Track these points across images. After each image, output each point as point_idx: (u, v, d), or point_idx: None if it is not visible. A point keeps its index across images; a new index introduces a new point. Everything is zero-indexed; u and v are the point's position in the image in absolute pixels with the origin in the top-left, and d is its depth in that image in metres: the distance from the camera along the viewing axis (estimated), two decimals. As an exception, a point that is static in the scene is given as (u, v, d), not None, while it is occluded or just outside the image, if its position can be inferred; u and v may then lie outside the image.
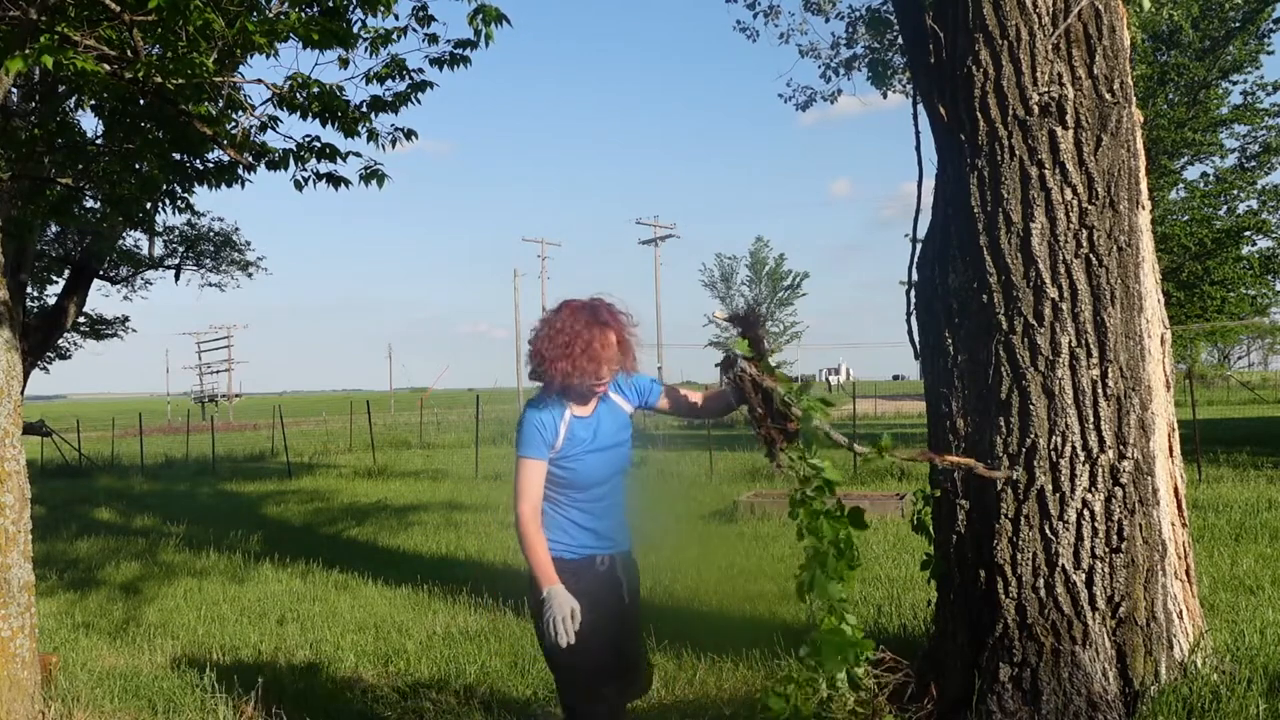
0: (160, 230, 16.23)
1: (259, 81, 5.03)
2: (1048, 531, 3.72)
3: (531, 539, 3.14)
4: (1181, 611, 3.96)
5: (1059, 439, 3.73)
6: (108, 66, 4.44)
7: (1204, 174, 23.82)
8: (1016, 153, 3.83)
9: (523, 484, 3.17)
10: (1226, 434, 18.37)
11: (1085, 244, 3.77)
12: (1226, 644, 4.55)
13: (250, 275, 18.86)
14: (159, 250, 17.38)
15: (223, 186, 6.03)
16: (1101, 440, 3.72)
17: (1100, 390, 3.74)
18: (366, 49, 5.30)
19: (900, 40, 8.03)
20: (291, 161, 5.52)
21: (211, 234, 17.65)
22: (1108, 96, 3.85)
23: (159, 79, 4.42)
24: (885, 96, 9.52)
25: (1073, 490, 3.71)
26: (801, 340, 58.73)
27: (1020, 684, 3.69)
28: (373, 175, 5.75)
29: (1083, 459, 3.72)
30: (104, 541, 10.63)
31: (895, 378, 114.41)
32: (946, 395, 4.00)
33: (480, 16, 5.01)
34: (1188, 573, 4.13)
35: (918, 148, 4.62)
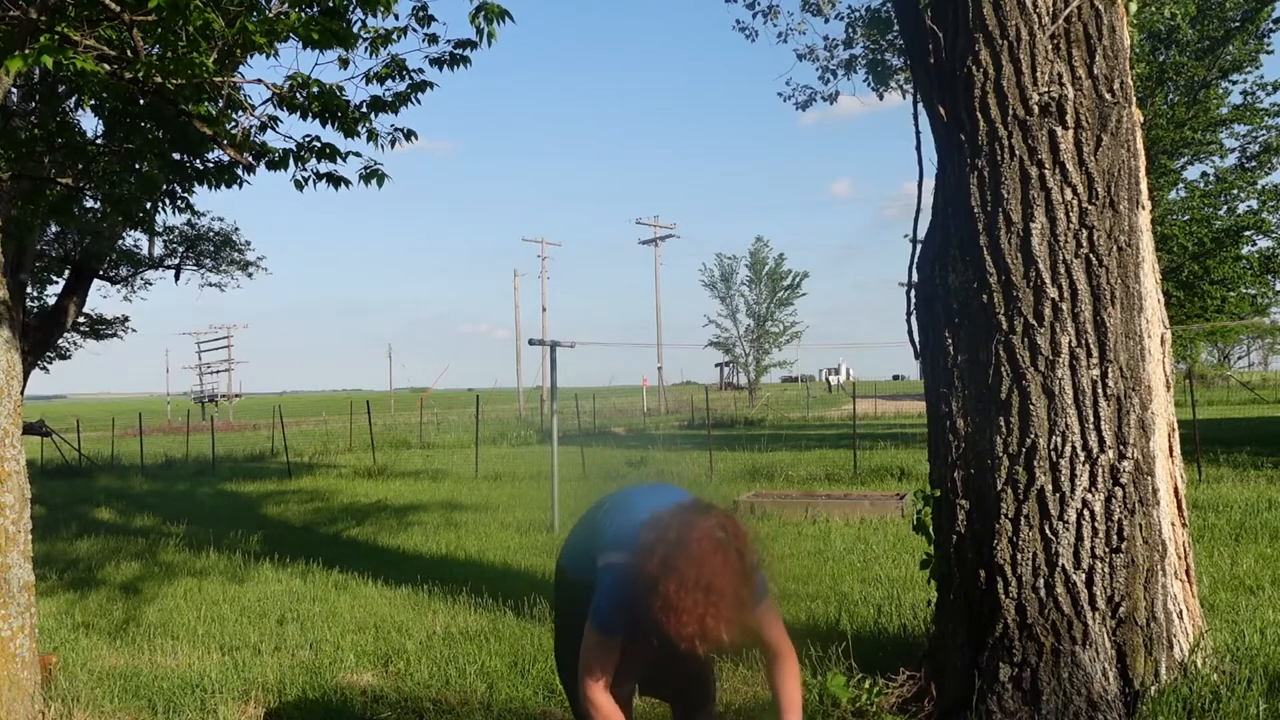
0: (160, 230, 16.23)
1: (259, 81, 5.04)
2: (1048, 531, 3.72)
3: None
4: (1181, 611, 3.96)
5: (1059, 439, 3.73)
6: (108, 66, 4.44)
7: (1204, 174, 23.83)
8: (1016, 153, 3.83)
9: (591, 663, 2.63)
10: (1226, 434, 18.36)
11: (1085, 244, 3.78)
12: (1226, 644, 4.55)
13: (250, 275, 18.86)
14: (159, 250, 17.39)
15: (223, 186, 6.02)
16: (1101, 440, 3.73)
17: (1100, 390, 3.74)
18: (366, 49, 5.30)
19: (900, 40, 8.03)
20: (291, 161, 5.52)
21: (211, 234, 17.65)
22: (1108, 96, 3.85)
23: (159, 79, 4.42)
24: (881, 97, 9.51)
25: (1073, 490, 3.71)
26: (801, 340, 58.70)
27: (1020, 684, 3.69)
28: (373, 175, 5.75)
29: (1083, 459, 3.72)
30: (104, 541, 10.63)
31: (895, 378, 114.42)
32: (946, 395, 4.00)
33: (483, 14, 5.01)
34: (1188, 573, 4.13)
35: (918, 148, 4.62)
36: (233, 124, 5.16)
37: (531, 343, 12.30)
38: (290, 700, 4.78)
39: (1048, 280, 3.77)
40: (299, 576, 8.10)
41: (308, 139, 5.50)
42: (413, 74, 5.43)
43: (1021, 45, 3.83)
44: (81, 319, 18.30)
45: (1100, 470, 3.72)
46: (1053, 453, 3.73)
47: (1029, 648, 3.70)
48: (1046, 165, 3.80)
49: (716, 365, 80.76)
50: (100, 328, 19.70)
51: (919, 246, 4.32)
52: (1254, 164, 23.04)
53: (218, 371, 69.17)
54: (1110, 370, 3.74)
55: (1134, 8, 4.19)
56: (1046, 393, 3.76)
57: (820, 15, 9.77)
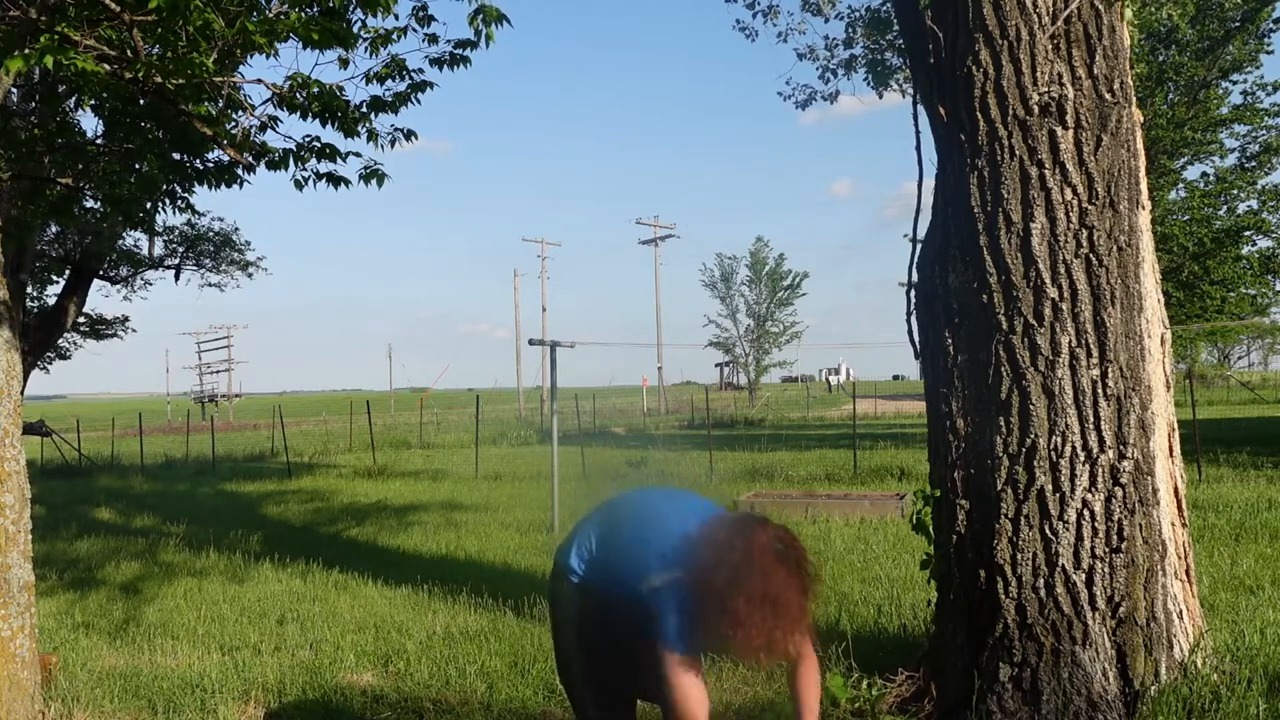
0: (160, 230, 16.23)
1: (259, 81, 5.03)
2: (1048, 531, 3.72)
3: None
4: (1181, 611, 3.96)
5: (1059, 439, 3.73)
6: (108, 66, 4.44)
7: (1204, 174, 23.82)
8: (1016, 153, 3.83)
9: (692, 698, 2.51)
10: (1226, 434, 18.37)
11: (1085, 244, 3.78)
12: (1226, 644, 4.55)
13: (250, 275, 18.86)
14: (159, 250, 17.39)
15: (223, 186, 6.01)
16: (1101, 440, 3.73)
17: (1100, 390, 3.74)
18: (366, 49, 5.30)
19: (900, 40, 8.02)
20: (291, 161, 5.52)
21: (211, 234, 17.65)
22: (1108, 96, 3.85)
23: (159, 79, 4.41)
24: (881, 96, 9.50)
25: (1073, 490, 3.71)
26: (801, 340, 58.68)
27: (1020, 684, 3.69)
28: (373, 175, 5.75)
29: (1083, 459, 3.72)
30: (104, 541, 10.62)
31: (895, 378, 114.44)
32: (946, 395, 4.00)
33: (480, 17, 5.01)
34: (1188, 573, 4.13)
35: (918, 148, 4.62)
36: (233, 124, 5.16)
37: (531, 343, 12.30)
38: (290, 700, 4.78)
39: (1048, 280, 3.77)
40: (299, 576, 8.10)
41: (308, 139, 5.49)
42: (413, 74, 5.43)
43: (1021, 45, 3.83)
44: (81, 319, 18.30)
45: (1100, 470, 3.72)
46: (1053, 453, 3.73)
47: (1029, 648, 3.70)
48: (1046, 165, 3.80)
49: (716, 365, 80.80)
50: (100, 328, 19.70)
51: (919, 246, 4.32)
52: (1254, 164, 23.03)
53: (218, 371, 69.19)
54: (1110, 370, 3.74)
55: (1129, 13, 4.19)
56: (1046, 393, 3.76)
57: (820, 15, 9.76)
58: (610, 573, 2.88)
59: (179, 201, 6.87)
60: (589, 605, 2.95)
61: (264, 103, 5.28)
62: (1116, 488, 3.73)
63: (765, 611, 2.40)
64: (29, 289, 14.39)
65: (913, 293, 4.32)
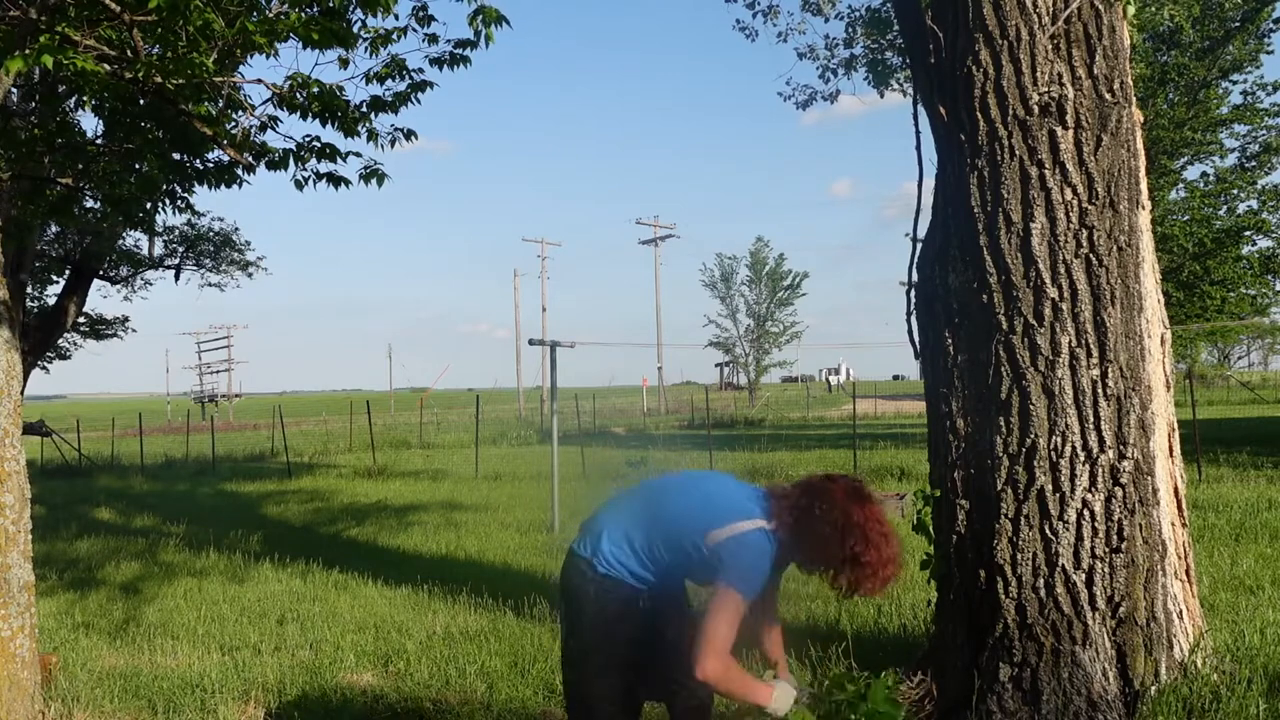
0: (160, 230, 16.23)
1: (259, 81, 5.04)
2: (1048, 531, 3.72)
3: (739, 677, 2.85)
4: (1181, 611, 3.96)
5: (1059, 439, 3.73)
6: (108, 66, 4.44)
7: (1204, 174, 23.82)
8: (1016, 153, 3.83)
9: (726, 630, 2.77)
10: (1226, 434, 18.37)
11: (1085, 244, 3.77)
12: (1226, 644, 4.55)
13: (250, 275, 18.87)
14: (159, 250, 17.39)
15: (223, 186, 6.02)
16: (1101, 440, 3.72)
17: (1100, 390, 3.74)
18: (366, 49, 5.30)
19: (900, 40, 8.03)
20: (291, 161, 5.52)
21: (211, 234, 17.66)
22: (1108, 96, 3.85)
23: (159, 79, 4.41)
24: (882, 96, 9.50)
25: (1073, 490, 3.71)
26: (801, 340, 58.70)
27: (1020, 684, 3.69)
28: (373, 175, 5.75)
29: (1083, 459, 3.72)
30: (104, 541, 10.63)
31: (895, 378, 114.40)
32: (946, 395, 4.00)
33: (480, 17, 5.01)
34: (1188, 573, 4.13)
35: (918, 148, 4.62)
36: (233, 124, 5.16)
37: (531, 343, 12.30)
38: (290, 700, 4.78)
39: (1048, 280, 3.77)
40: (299, 576, 8.10)
41: (308, 139, 5.49)
42: (413, 74, 5.43)
43: (1021, 45, 3.83)
44: (81, 319, 18.30)
45: (1100, 470, 3.72)
46: (1053, 453, 3.73)
47: (1029, 648, 3.70)
48: (1046, 165, 3.80)
49: (716, 365, 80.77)
50: (100, 328, 19.71)
51: (919, 246, 4.31)
52: (1254, 164, 23.02)
53: (218, 371, 69.21)
54: (1110, 370, 3.74)
55: (1130, 10, 4.18)
56: (1046, 393, 3.76)
57: (820, 15, 9.77)
58: (651, 547, 2.99)
59: (179, 201, 6.88)
60: (616, 595, 3.00)
61: (264, 103, 5.28)
62: (1116, 488, 3.72)
63: (886, 536, 2.80)
64: (29, 289, 14.39)
65: (913, 293, 4.32)
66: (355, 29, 5.18)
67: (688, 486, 3.17)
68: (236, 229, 18.18)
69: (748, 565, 2.82)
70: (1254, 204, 23.43)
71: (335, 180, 5.72)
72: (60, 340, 17.90)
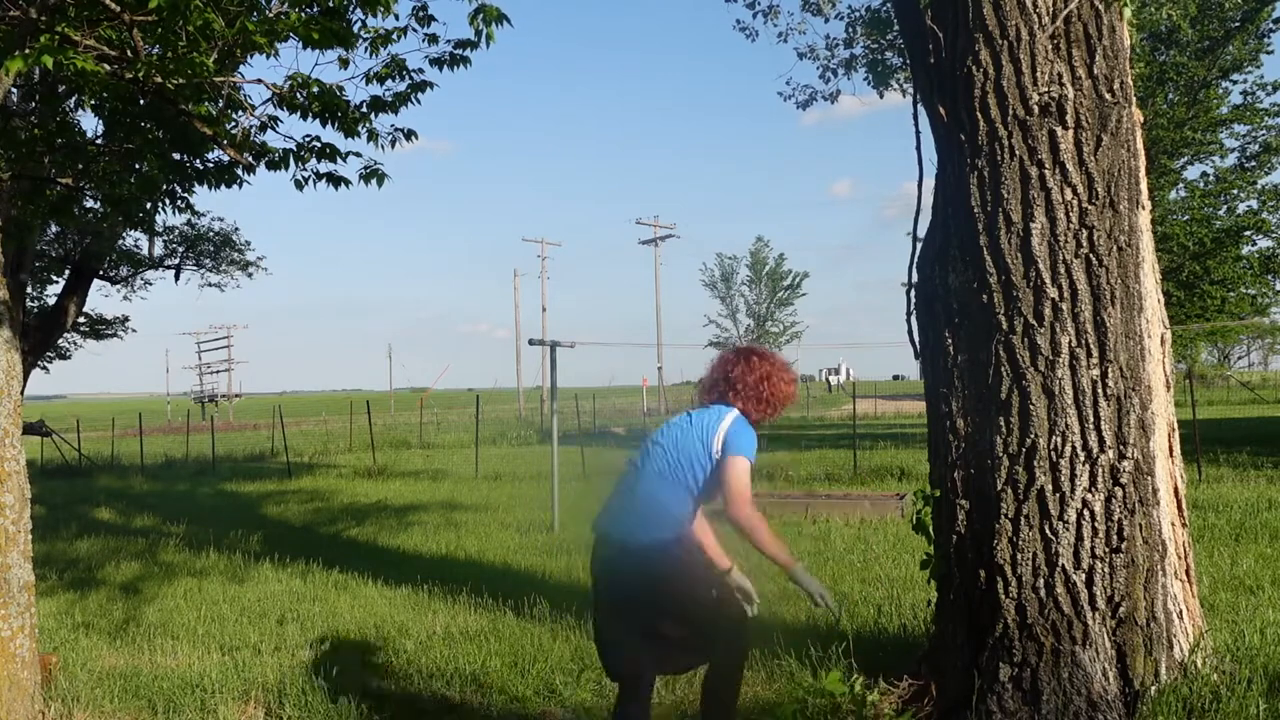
0: (160, 230, 16.24)
1: (259, 81, 5.03)
2: (1048, 531, 3.72)
3: (768, 529, 3.44)
4: (1181, 611, 3.96)
5: (1059, 439, 3.73)
6: (108, 66, 4.44)
7: (1204, 174, 23.81)
8: (1016, 153, 3.83)
9: (748, 483, 3.45)
10: (1226, 434, 18.38)
11: (1085, 244, 3.78)
12: (1226, 644, 4.55)
13: (250, 275, 18.86)
14: (159, 250, 17.39)
15: (223, 186, 6.01)
16: (1101, 440, 3.73)
17: (1100, 390, 3.74)
18: (366, 49, 5.29)
19: (900, 40, 8.02)
20: (291, 161, 5.51)
21: (211, 234, 17.65)
22: (1108, 96, 3.85)
23: (159, 79, 4.41)
24: (882, 96, 9.49)
25: (1073, 490, 3.71)
26: (801, 340, 58.77)
27: (1020, 684, 3.69)
28: (373, 175, 5.74)
29: (1083, 459, 3.72)
30: (104, 541, 10.63)
31: (895, 378, 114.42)
32: (946, 395, 4.00)
33: (481, 16, 5.00)
34: (1188, 573, 4.13)
35: (918, 148, 4.62)
36: (233, 124, 5.16)
37: (531, 343, 12.30)
38: (290, 701, 4.78)
39: (1048, 280, 3.77)
40: (299, 576, 8.10)
41: (308, 139, 5.49)
42: (413, 74, 5.43)
43: (1021, 45, 3.83)
44: (81, 319, 18.30)
45: (1100, 470, 3.72)
46: (1053, 453, 3.73)
47: (1029, 648, 3.70)
48: (1046, 165, 3.80)
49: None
50: (100, 328, 19.70)
51: (919, 246, 4.32)
52: (1254, 164, 23.02)
53: (218, 371, 69.18)
54: (1110, 370, 3.74)
55: (1128, 12, 4.18)
56: (1046, 393, 3.76)
57: (820, 15, 9.76)
58: (652, 493, 3.57)
59: (179, 201, 6.87)
60: (619, 557, 3.54)
61: (264, 103, 5.28)
62: (1116, 488, 3.73)
63: (783, 365, 3.78)
64: (29, 289, 14.39)
65: (913, 293, 4.32)
66: (355, 29, 5.17)
67: (672, 434, 3.69)
68: (236, 229, 18.19)
69: (747, 437, 3.53)
70: (1254, 204, 23.44)
71: (335, 180, 5.72)
72: (60, 340, 17.90)
